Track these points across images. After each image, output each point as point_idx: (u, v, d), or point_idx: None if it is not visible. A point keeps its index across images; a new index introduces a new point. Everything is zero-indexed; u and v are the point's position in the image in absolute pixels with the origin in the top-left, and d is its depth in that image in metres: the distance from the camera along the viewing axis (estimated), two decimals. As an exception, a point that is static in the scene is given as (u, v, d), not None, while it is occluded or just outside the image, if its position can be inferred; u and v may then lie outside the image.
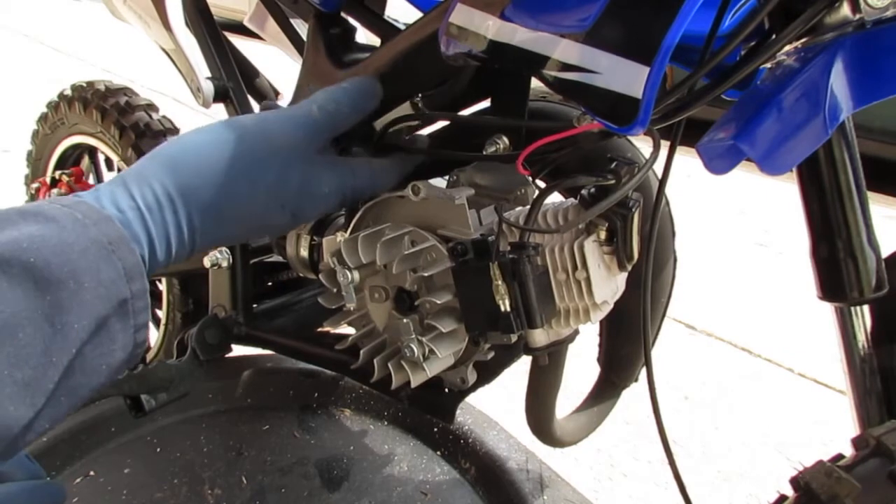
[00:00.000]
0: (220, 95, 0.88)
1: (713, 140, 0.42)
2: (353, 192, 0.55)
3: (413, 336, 0.53)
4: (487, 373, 0.66)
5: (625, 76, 0.37)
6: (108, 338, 0.39)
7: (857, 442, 0.45)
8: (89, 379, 0.38)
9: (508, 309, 0.46)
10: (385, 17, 0.72)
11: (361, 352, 0.60)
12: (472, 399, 0.75)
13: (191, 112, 3.13)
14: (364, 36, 0.74)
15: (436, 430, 1.00)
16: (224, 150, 0.48)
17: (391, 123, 0.61)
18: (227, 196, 0.47)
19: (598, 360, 0.74)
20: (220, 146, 0.48)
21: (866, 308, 0.53)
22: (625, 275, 0.52)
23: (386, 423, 1.04)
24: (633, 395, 0.77)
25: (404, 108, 0.65)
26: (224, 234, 0.49)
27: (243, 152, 0.49)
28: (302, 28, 0.81)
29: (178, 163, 0.47)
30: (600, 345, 0.73)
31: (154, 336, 1.23)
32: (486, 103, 0.61)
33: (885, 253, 0.52)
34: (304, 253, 0.70)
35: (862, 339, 0.54)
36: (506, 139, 0.55)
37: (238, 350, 0.89)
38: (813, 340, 1.72)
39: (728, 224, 2.53)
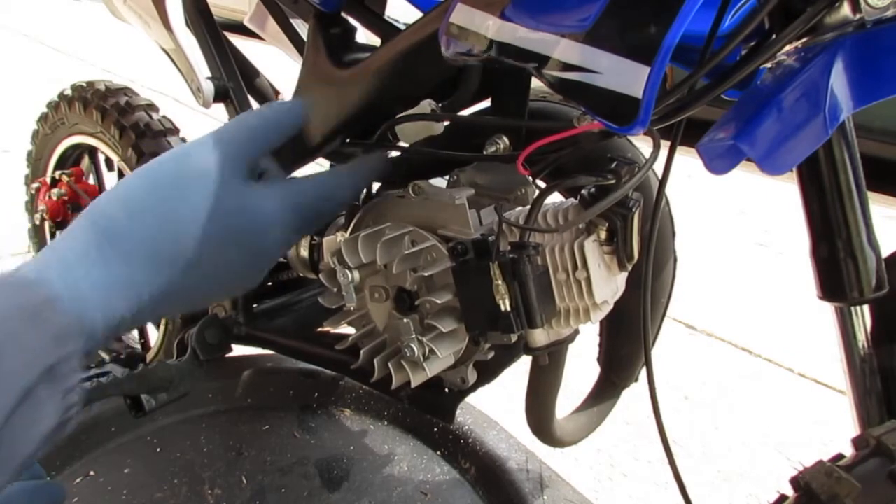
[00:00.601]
0: (220, 95, 0.88)
1: (713, 140, 0.42)
2: (307, 210, 0.52)
3: (413, 336, 0.53)
4: (487, 373, 0.66)
5: (625, 76, 0.37)
6: (35, 406, 0.37)
7: (857, 442, 0.45)
8: (18, 450, 0.37)
9: (508, 309, 0.46)
10: (385, 17, 0.72)
11: (361, 352, 0.60)
12: (472, 399, 0.75)
13: (191, 112, 3.13)
14: (364, 36, 0.74)
15: (436, 430, 1.00)
16: (141, 186, 0.46)
17: (392, 123, 0.61)
18: (154, 237, 0.45)
19: (598, 360, 0.74)
20: (135, 185, 0.46)
21: (866, 308, 0.53)
22: (625, 275, 0.52)
23: (386, 423, 1.04)
24: (633, 395, 0.77)
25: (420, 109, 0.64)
26: (176, 285, 0.45)
27: (157, 184, 0.46)
28: (302, 28, 0.81)
29: (101, 211, 0.45)
30: (600, 345, 0.73)
31: (154, 336, 1.23)
32: (486, 103, 0.61)
33: (885, 253, 0.52)
34: (304, 253, 0.70)
35: (862, 339, 0.54)
36: (506, 139, 0.55)
37: (238, 350, 0.89)
38: (813, 340, 1.72)
39: (728, 224, 2.53)
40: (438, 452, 0.98)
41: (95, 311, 0.42)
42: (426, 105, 0.59)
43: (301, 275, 0.78)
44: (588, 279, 0.48)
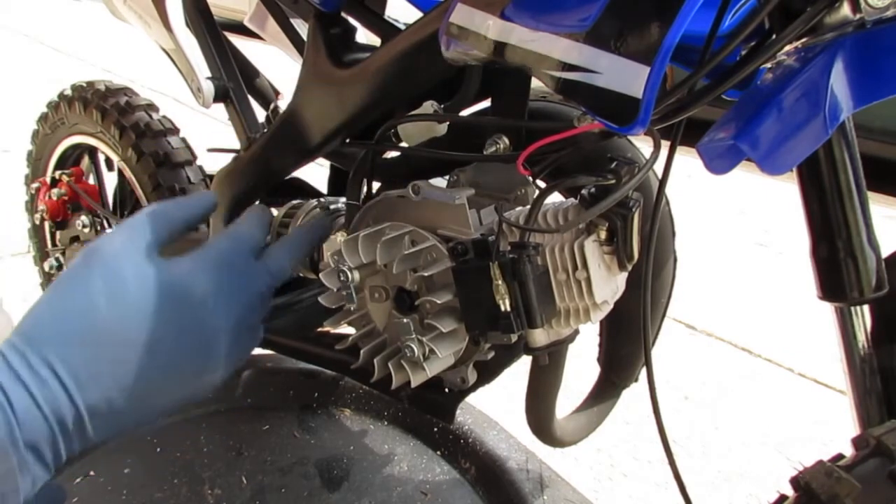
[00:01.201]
0: (220, 95, 0.88)
1: (713, 140, 0.42)
2: (231, 268, 0.50)
3: (413, 336, 0.53)
4: (487, 373, 0.66)
5: (625, 76, 0.37)
6: None
7: (857, 442, 0.45)
8: None
9: (508, 309, 0.46)
10: (385, 17, 0.72)
11: (361, 352, 0.60)
12: (472, 399, 0.75)
13: (191, 112, 3.13)
14: (364, 36, 0.74)
15: (436, 430, 1.00)
16: (55, 288, 0.44)
17: (392, 124, 0.61)
18: (75, 333, 0.42)
19: (598, 360, 0.74)
20: (53, 290, 0.44)
21: (866, 308, 0.53)
22: (625, 275, 0.52)
23: (386, 423, 1.04)
24: (633, 395, 0.77)
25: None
26: (122, 385, 0.43)
27: (66, 279, 0.44)
28: (302, 28, 0.81)
29: (22, 327, 0.43)
30: (600, 345, 0.73)
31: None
32: (486, 103, 0.61)
33: (885, 253, 0.52)
34: (304, 253, 0.70)
35: (862, 339, 0.54)
36: (506, 139, 0.55)
37: (238, 350, 0.89)
38: (813, 340, 1.72)
39: (728, 224, 2.53)
40: (438, 452, 0.98)
41: (35, 441, 0.39)
42: (428, 106, 0.59)
43: (301, 275, 0.78)
44: (588, 279, 0.48)
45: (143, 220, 0.49)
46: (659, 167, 0.50)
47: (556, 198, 0.51)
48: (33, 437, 0.39)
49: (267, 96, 1.00)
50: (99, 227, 1.15)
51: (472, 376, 0.63)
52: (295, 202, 0.77)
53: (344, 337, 0.66)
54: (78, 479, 0.90)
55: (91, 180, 1.28)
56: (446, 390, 0.67)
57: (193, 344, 0.46)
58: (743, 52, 0.43)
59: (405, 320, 0.54)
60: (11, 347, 0.41)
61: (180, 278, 0.46)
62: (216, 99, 0.88)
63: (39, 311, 0.44)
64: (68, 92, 1.18)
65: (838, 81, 0.40)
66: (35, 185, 1.25)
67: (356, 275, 0.56)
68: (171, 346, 0.45)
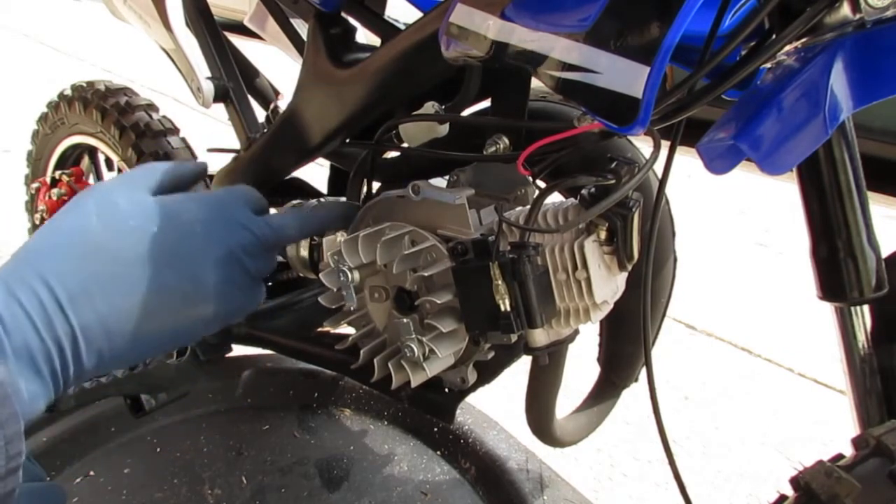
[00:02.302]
0: (220, 95, 0.88)
1: (713, 140, 0.42)
2: (227, 210, 0.52)
3: (413, 336, 0.53)
4: (487, 373, 0.66)
5: (625, 76, 0.37)
6: None
7: (857, 442, 0.45)
8: None
9: (508, 309, 0.46)
10: (385, 17, 0.72)
11: (361, 352, 0.60)
12: (472, 399, 0.75)
13: (191, 112, 3.13)
14: (364, 36, 0.74)
15: (436, 430, 1.00)
16: (57, 218, 0.46)
17: (392, 125, 0.61)
18: (76, 260, 0.43)
19: (598, 360, 0.74)
20: (52, 221, 0.46)
21: (866, 308, 0.53)
22: (625, 275, 0.52)
23: (386, 423, 1.04)
24: (633, 395, 0.77)
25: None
26: (118, 315, 0.44)
27: (67, 211, 0.46)
28: (302, 28, 0.81)
29: (41, 254, 0.44)
30: (600, 345, 0.73)
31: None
32: (486, 103, 0.61)
33: (885, 253, 0.52)
34: (304, 253, 0.70)
35: (862, 339, 0.54)
36: (506, 139, 0.55)
37: (238, 350, 0.89)
38: (813, 340, 1.72)
39: (728, 224, 2.53)
40: (438, 452, 0.98)
41: (26, 349, 0.40)
42: (430, 107, 0.59)
43: (301, 275, 0.78)
44: (588, 279, 0.48)
45: (133, 170, 0.51)
46: (659, 167, 0.50)
47: (556, 198, 0.51)
48: (25, 347, 0.39)
49: (267, 96, 1.00)
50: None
51: (472, 376, 0.63)
52: (295, 202, 0.77)
53: (344, 337, 0.66)
54: (78, 479, 0.90)
55: (91, 180, 1.28)
56: (446, 390, 0.67)
57: (179, 264, 0.47)
58: (743, 52, 0.43)
59: (405, 320, 0.54)
60: (9, 264, 0.43)
61: (169, 204, 0.49)
62: (216, 99, 0.88)
63: (37, 234, 0.45)
64: (68, 92, 1.18)
65: (838, 81, 0.40)
66: (35, 185, 1.25)
67: (356, 275, 0.56)
68: (158, 264, 0.46)
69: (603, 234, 0.49)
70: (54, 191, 1.21)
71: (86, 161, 1.29)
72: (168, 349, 0.49)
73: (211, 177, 0.99)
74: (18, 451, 0.37)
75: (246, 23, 0.96)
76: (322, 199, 0.74)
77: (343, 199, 0.73)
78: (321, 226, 0.61)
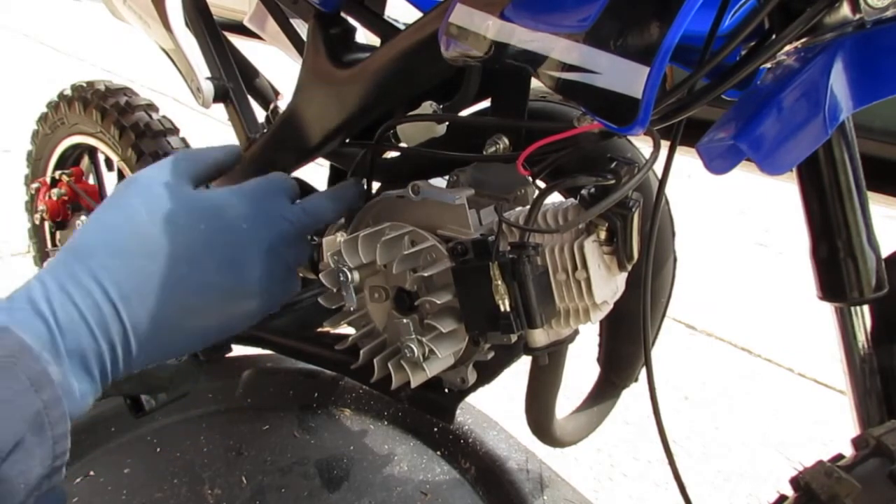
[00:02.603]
0: (220, 95, 0.88)
1: (713, 140, 0.42)
2: (269, 202, 0.52)
3: (413, 336, 0.53)
4: (487, 373, 0.66)
5: (625, 76, 0.37)
6: (25, 454, 0.36)
7: (857, 442, 0.45)
8: (4, 500, 0.35)
9: (508, 309, 0.46)
10: (385, 17, 0.72)
11: (361, 352, 0.60)
12: (472, 399, 0.75)
13: (191, 112, 3.13)
14: (364, 36, 0.74)
15: (436, 430, 1.00)
16: (102, 209, 0.46)
17: (392, 124, 0.61)
18: (122, 252, 0.43)
19: (598, 360, 0.74)
20: (99, 211, 0.46)
21: (866, 308, 0.53)
22: (625, 275, 0.52)
23: (386, 423, 1.04)
24: (633, 395, 0.77)
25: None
26: (163, 306, 0.44)
27: (111, 202, 0.46)
28: (302, 28, 0.81)
29: (73, 244, 0.44)
30: (600, 345, 0.73)
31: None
32: (486, 103, 0.61)
33: (885, 253, 0.52)
34: (304, 253, 0.70)
35: (862, 339, 0.54)
36: (506, 139, 0.55)
37: (238, 350, 0.89)
38: (813, 340, 1.72)
39: (728, 224, 2.53)
40: (438, 452, 0.98)
41: (79, 350, 0.40)
42: (427, 107, 0.59)
43: (301, 275, 0.78)
44: (588, 279, 0.48)
45: (172, 159, 0.51)
46: (659, 167, 0.50)
47: (556, 198, 0.51)
48: (78, 348, 0.40)
49: (267, 96, 1.00)
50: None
51: (471, 376, 0.63)
52: (297, 201, 0.77)
53: (344, 337, 0.66)
54: (78, 479, 0.90)
55: (91, 180, 1.28)
56: (446, 390, 0.67)
57: (228, 262, 0.47)
58: (743, 52, 0.43)
59: (405, 320, 0.54)
60: (58, 261, 0.43)
61: (215, 200, 0.49)
62: (216, 99, 0.88)
63: (82, 230, 0.45)
64: (68, 92, 1.18)
65: (838, 81, 0.40)
66: (35, 185, 1.25)
67: (356, 275, 0.56)
68: (206, 262, 0.46)
69: (603, 234, 0.49)
70: (54, 191, 1.21)
71: (86, 161, 1.29)
72: (211, 343, 0.49)
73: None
74: (64, 450, 0.38)
75: (246, 23, 0.96)
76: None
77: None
78: (351, 202, 0.61)
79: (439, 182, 0.61)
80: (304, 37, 0.73)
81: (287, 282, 0.54)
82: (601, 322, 0.69)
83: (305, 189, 0.90)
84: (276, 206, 0.52)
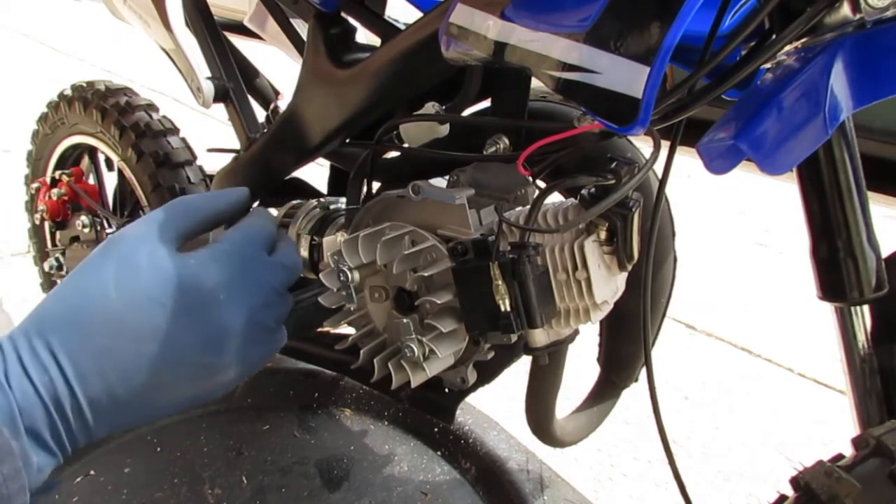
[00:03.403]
0: (220, 95, 0.88)
1: (713, 140, 0.42)
2: (248, 272, 0.48)
3: (413, 336, 0.53)
4: (487, 373, 0.66)
5: (625, 76, 0.37)
6: None
7: (857, 442, 0.45)
8: None
9: (508, 309, 0.46)
10: (385, 17, 0.72)
11: (361, 352, 0.60)
12: (472, 399, 0.75)
13: (191, 112, 3.13)
14: (364, 36, 0.74)
15: (436, 430, 1.00)
16: (74, 276, 0.43)
17: (392, 125, 0.61)
18: (86, 317, 0.41)
19: (598, 360, 0.74)
20: (70, 278, 0.44)
21: (866, 308, 0.53)
22: (625, 275, 0.52)
23: (386, 423, 1.04)
24: (633, 395, 0.77)
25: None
26: (129, 376, 0.42)
27: (86, 266, 0.44)
28: (302, 28, 0.81)
29: (36, 313, 0.42)
30: (600, 345, 0.73)
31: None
32: (486, 103, 0.61)
33: (885, 253, 0.52)
34: (304, 253, 0.70)
35: (862, 339, 0.54)
36: (506, 139, 0.55)
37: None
38: (813, 340, 1.72)
39: (728, 224, 2.53)
40: (439, 452, 0.98)
41: (35, 426, 0.39)
42: (430, 107, 0.59)
43: (301, 275, 0.78)
44: (588, 279, 0.48)
45: (166, 211, 0.48)
46: (659, 167, 0.50)
47: (556, 198, 0.51)
48: (34, 424, 0.39)
49: (267, 96, 1.00)
50: (99, 227, 1.15)
51: (472, 376, 0.63)
52: (295, 202, 0.77)
53: (344, 337, 0.66)
54: (78, 479, 0.90)
55: (91, 180, 1.28)
56: (446, 390, 0.67)
57: (203, 338, 0.44)
58: (743, 52, 0.43)
59: (405, 320, 0.54)
60: (21, 329, 0.41)
61: (192, 270, 0.45)
62: (216, 99, 0.88)
63: (52, 296, 0.43)
64: (68, 92, 1.18)
65: (838, 81, 0.40)
66: (35, 185, 1.25)
67: (356, 275, 0.56)
68: (178, 339, 0.43)
69: (603, 234, 0.49)
70: (54, 191, 1.21)
71: (86, 161, 1.29)
72: (185, 409, 0.47)
73: (211, 177, 0.99)
74: None
75: (246, 23, 0.96)
76: (314, 209, 0.74)
77: (334, 205, 0.73)
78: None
79: (439, 182, 0.62)
80: (304, 37, 0.73)
81: (267, 343, 0.50)
82: (601, 322, 0.69)
83: (306, 190, 0.90)
84: (255, 267, 0.49)
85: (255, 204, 0.87)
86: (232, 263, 0.48)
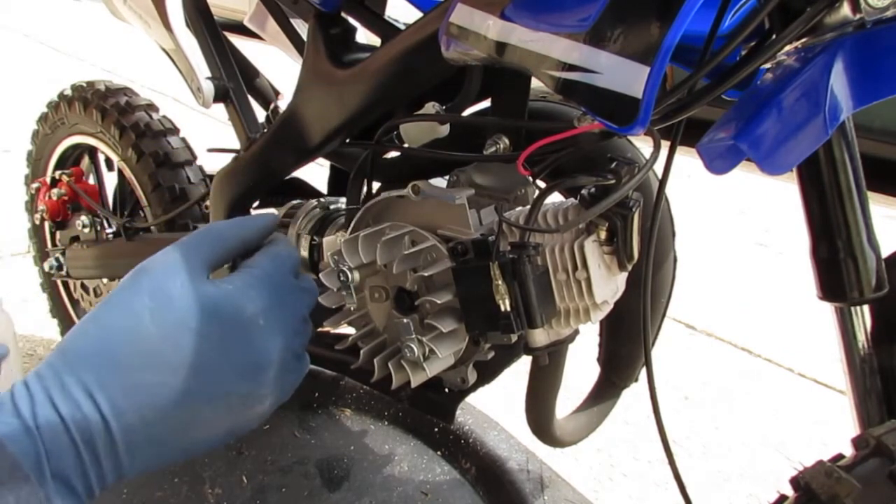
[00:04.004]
0: (220, 95, 0.88)
1: (713, 140, 0.42)
2: (281, 293, 0.46)
3: (413, 336, 0.53)
4: (487, 373, 0.66)
5: (625, 76, 0.37)
6: None
7: (857, 442, 0.45)
8: None
9: (508, 309, 0.46)
10: (385, 17, 0.72)
11: (361, 352, 0.60)
12: (472, 399, 0.75)
13: (191, 112, 3.13)
14: (364, 36, 0.74)
15: (436, 430, 1.00)
16: (102, 308, 0.41)
17: (392, 125, 0.61)
18: (114, 351, 0.39)
19: (598, 360, 0.74)
20: (99, 310, 0.41)
21: (866, 308, 0.53)
22: (625, 275, 0.52)
23: (386, 423, 1.04)
24: (633, 395, 0.77)
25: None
26: (164, 410, 0.39)
27: (113, 299, 0.41)
28: (302, 28, 0.81)
29: (65, 343, 0.40)
30: (600, 345, 0.73)
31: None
32: (486, 103, 0.61)
33: (885, 253, 0.52)
34: (305, 253, 0.70)
35: (862, 339, 0.54)
36: (506, 139, 0.55)
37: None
38: (813, 340, 1.72)
39: (728, 224, 2.53)
40: (439, 452, 0.98)
41: (63, 472, 0.37)
42: (430, 107, 0.59)
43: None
44: (588, 279, 0.48)
45: (195, 239, 0.46)
46: (659, 167, 0.50)
47: (556, 198, 0.51)
48: (62, 468, 0.37)
49: (267, 96, 1.00)
50: (99, 227, 1.15)
51: (472, 376, 0.63)
52: (295, 202, 0.77)
53: (344, 337, 0.66)
54: (78, 479, 0.90)
55: (91, 180, 1.28)
56: (446, 390, 0.67)
57: (241, 367, 0.43)
58: (743, 52, 0.43)
59: (405, 320, 0.54)
60: (49, 366, 0.39)
61: (229, 297, 0.43)
62: (216, 99, 0.88)
63: (80, 329, 0.41)
64: (68, 92, 1.18)
65: (838, 81, 0.40)
66: (35, 185, 1.25)
67: (356, 275, 0.56)
68: (218, 370, 0.41)
69: (603, 234, 0.49)
70: (54, 191, 1.21)
71: (86, 161, 1.29)
72: (219, 444, 0.44)
73: (211, 177, 0.99)
74: None
75: (246, 23, 0.96)
76: (314, 209, 0.73)
77: (334, 205, 0.72)
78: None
79: (439, 182, 0.62)
80: (305, 37, 0.73)
81: (298, 371, 0.48)
82: (601, 322, 0.69)
83: (306, 190, 0.90)
84: (287, 292, 0.47)
85: (255, 204, 0.87)
86: (267, 290, 0.46)
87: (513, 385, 0.81)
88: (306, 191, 0.90)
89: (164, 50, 0.94)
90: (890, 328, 0.54)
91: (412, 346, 0.53)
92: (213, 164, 0.95)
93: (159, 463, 0.41)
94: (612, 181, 0.47)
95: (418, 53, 0.57)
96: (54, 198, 1.21)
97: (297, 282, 0.49)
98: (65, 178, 1.21)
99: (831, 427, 1.42)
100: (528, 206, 0.50)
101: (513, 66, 0.44)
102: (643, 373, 0.58)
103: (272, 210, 0.74)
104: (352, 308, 0.60)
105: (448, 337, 0.53)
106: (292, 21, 0.82)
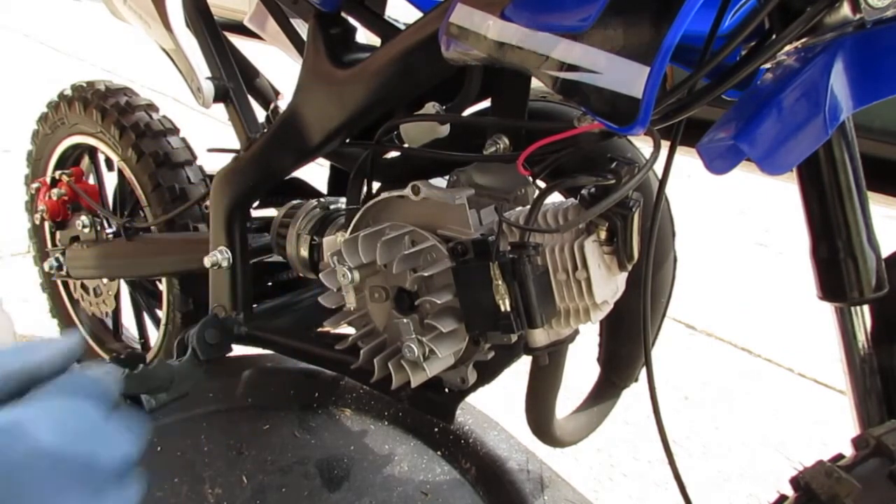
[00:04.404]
0: (220, 95, 0.88)
1: (713, 140, 0.42)
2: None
3: (413, 336, 0.53)
4: (487, 373, 0.66)
5: (625, 76, 0.37)
6: None
7: (857, 442, 0.45)
8: None
9: (508, 309, 0.46)
10: (385, 17, 0.72)
11: (361, 352, 0.60)
12: (472, 399, 0.75)
13: (191, 112, 3.13)
14: (364, 36, 0.74)
15: (436, 430, 1.00)
16: None
17: (392, 125, 0.61)
18: None
19: (598, 360, 0.74)
20: None
21: (866, 308, 0.53)
22: (625, 275, 0.52)
23: (386, 423, 1.04)
24: (634, 395, 0.77)
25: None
26: None
27: None
28: (302, 28, 0.81)
29: None
30: (600, 345, 0.73)
31: (154, 336, 1.23)
32: (486, 103, 0.61)
33: (885, 253, 0.52)
34: (305, 253, 0.70)
35: (862, 339, 0.54)
36: (506, 139, 0.55)
37: (239, 350, 0.89)
38: (813, 340, 1.72)
39: (728, 224, 2.53)
40: (439, 452, 0.98)
41: None
42: (430, 107, 0.59)
43: (301, 275, 0.78)
44: (588, 279, 0.48)
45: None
46: (659, 167, 0.50)
47: (556, 198, 0.51)
48: None
49: (267, 96, 1.00)
50: (99, 227, 1.15)
51: (472, 376, 0.63)
52: (295, 202, 0.77)
53: (344, 337, 0.66)
54: (78, 479, 0.89)
55: (91, 180, 1.28)
56: (446, 390, 0.67)
57: None
58: (743, 52, 0.43)
59: (405, 320, 0.54)
60: None
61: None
62: (216, 99, 0.88)
63: None
64: (68, 92, 1.18)
65: (838, 81, 0.40)
66: (35, 185, 1.25)
67: (356, 275, 0.56)
68: None
69: (603, 234, 0.49)
70: (54, 191, 1.21)
71: (86, 161, 1.29)
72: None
73: (211, 177, 0.99)
74: None
75: (246, 23, 0.96)
76: (314, 209, 0.73)
77: (334, 205, 0.72)
78: None
79: (439, 182, 0.62)
80: (305, 37, 0.73)
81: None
82: (601, 322, 0.69)
83: (306, 190, 0.90)
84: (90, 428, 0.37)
85: (255, 204, 0.87)
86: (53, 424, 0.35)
87: (513, 385, 0.81)
88: (306, 191, 0.90)
89: (164, 50, 0.94)
90: (890, 328, 0.54)
91: (412, 346, 0.53)
92: (213, 164, 0.95)
93: None
94: (612, 181, 0.47)
95: (418, 53, 0.57)
96: (54, 198, 1.21)
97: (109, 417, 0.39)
98: (65, 178, 1.21)
99: (831, 427, 1.42)
100: (528, 206, 0.50)
101: (513, 66, 0.44)
102: (643, 373, 0.58)
103: (272, 210, 0.74)
104: (352, 308, 0.60)
105: (448, 337, 0.53)
106: (292, 21, 0.82)
